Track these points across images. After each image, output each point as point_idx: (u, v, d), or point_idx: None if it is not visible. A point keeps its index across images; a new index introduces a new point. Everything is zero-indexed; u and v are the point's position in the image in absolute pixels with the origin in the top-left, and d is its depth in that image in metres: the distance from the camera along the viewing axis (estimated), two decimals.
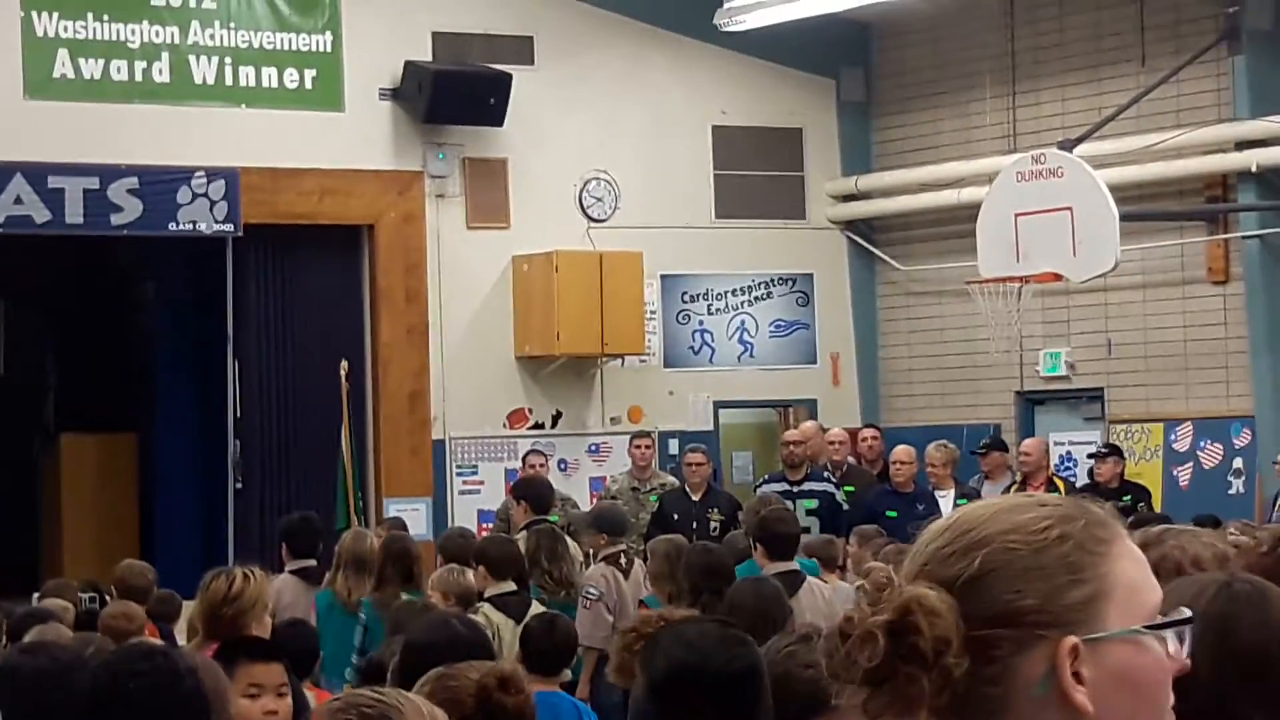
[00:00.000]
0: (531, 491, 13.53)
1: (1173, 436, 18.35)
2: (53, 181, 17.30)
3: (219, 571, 7.37)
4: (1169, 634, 2.06)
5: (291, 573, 11.61)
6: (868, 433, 18.16)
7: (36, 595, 12.34)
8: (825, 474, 16.12)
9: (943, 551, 2.05)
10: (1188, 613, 2.08)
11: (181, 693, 3.98)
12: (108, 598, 11.59)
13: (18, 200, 17.15)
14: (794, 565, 10.16)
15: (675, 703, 3.76)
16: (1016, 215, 16.23)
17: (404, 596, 10.33)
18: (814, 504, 15.24)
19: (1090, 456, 16.83)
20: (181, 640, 9.56)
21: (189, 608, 11.01)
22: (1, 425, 20.75)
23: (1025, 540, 2.04)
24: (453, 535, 12.80)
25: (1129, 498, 15.49)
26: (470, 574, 10.58)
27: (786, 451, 15.92)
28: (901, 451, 16.24)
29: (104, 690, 3.92)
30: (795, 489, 15.27)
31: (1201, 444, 18.16)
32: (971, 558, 2.03)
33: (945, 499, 15.43)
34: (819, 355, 21.01)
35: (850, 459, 17.28)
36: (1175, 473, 18.28)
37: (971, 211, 17.31)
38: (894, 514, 14.70)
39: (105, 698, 3.91)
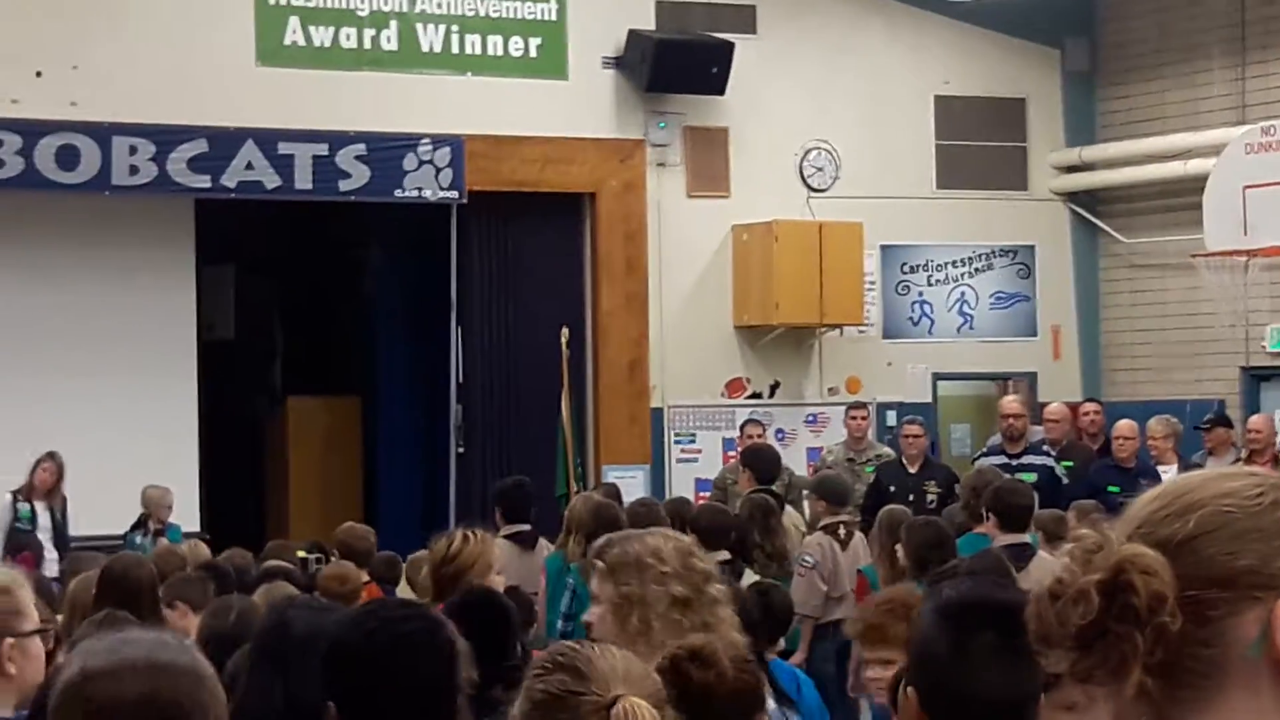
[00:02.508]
0: (758, 461, 13.47)
1: None
2: (283, 147, 17.56)
3: (445, 533, 7.55)
4: None
5: (505, 537, 11.73)
6: (1089, 407, 17.94)
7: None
8: (1044, 448, 15.94)
9: (1158, 514, 2.06)
10: None
11: (440, 642, 4.11)
12: (332, 558, 11.82)
13: (249, 166, 17.44)
14: (1026, 538, 10.11)
15: (962, 625, 3.87)
16: (1245, 188, 15.98)
17: None
18: (1033, 477, 15.00)
19: None
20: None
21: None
22: (231, 388, 21.13)
23: (1240, 504, 2.05)
24: (634, 505, 12.71)
25: None
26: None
27: (1006, 424, 15.70)
28: (1124, 426, 16.05)
29: (377, 639, 4.05)
30: (1014, 462, 15.06)
31: None
32: (1186, 519, 2.04)
33: (1168, 474, 15.18)
34: (1040, 328, 20.83)
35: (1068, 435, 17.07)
36: None
37: (1198, 184, 17.06)
38: (1116, 489, 14.49)
39: (379, 645, 4.04)
